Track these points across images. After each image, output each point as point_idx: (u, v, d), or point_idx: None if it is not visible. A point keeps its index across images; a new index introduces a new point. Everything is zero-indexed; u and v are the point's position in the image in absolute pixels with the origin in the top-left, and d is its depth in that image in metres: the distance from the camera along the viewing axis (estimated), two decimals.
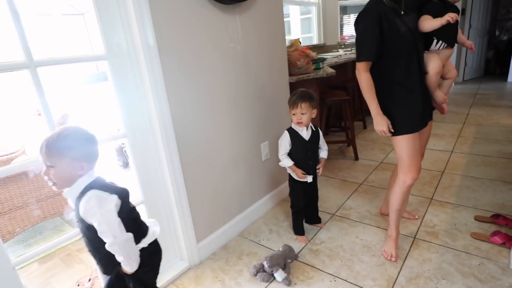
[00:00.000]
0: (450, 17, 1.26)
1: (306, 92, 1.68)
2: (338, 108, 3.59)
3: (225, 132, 1.80)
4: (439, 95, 1.52)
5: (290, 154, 1.76)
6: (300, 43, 2.40)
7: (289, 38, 4.51)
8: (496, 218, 1.86)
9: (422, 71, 1.45)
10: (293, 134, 1.72)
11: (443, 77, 1.56)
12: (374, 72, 1.43)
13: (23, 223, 2.08)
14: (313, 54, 2.43)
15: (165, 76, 1.41)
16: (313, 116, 1.69)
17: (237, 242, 1.91)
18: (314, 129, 1.75)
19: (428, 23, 1.35)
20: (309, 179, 1.78)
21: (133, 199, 1.47)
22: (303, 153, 1.74)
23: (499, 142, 3.10)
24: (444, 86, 1.58)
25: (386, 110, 1.46)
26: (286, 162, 1.76)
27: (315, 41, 4.29)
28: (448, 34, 1.42)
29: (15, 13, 1.00)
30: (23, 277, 1.84)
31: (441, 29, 1.34)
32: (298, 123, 1.67)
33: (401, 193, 1.58)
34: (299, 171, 1.74)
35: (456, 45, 1.50)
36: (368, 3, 1.37)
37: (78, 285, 1.69)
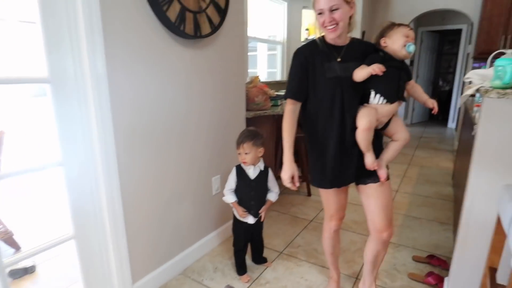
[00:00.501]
0: (373, 68, 1.18)
1: (251, 131, 1.71)
2: (295, 144, 3.68)
3: (173, 165, 1.75)
4: (368, 158, 1.31)
5: (236, 192, 1.75)
6: (260, 80, 2.47)
7: (255, 71, 4.66)
8: (431, 258, 1.96)
9: (349, 125, 1.28)
10: (240, 171, 1.73)
11: (391, 138, 1.39)
12: (303, 114, 1.38)
13: None
14: (272, 92, 2.51)
15: (112, 107, 1.36)
16: (260, 154, 1.71)
17: (178, 281, 1.81)
18: (263, 169, 1.76)
19: (357, 72, 1.24)
20: (250, 220, 1.77)
21: (61, 234, 1.37)
22: (246, 191, 1.74)
23: (438, 184, 3.33)
24: (389, 148, 1.38)
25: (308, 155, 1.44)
26: (229, 198, 1.75)
27: (278, 77, 4.45)
28: (385, 88, 1.26)
29: None
30: None
31: (377, 82, 1.24)
32: (243, 162, 1.69)
33: (328, 238, 1.61)
34: (240, 209, 1.74)
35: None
36: (306, 43, 1.35)
37: None
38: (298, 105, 1.35)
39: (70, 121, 1.31)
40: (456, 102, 6.44)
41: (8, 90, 3.64)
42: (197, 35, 1.72)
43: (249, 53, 4.85)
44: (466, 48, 5.83)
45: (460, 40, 6.11)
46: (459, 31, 6.08)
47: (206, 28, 1.77)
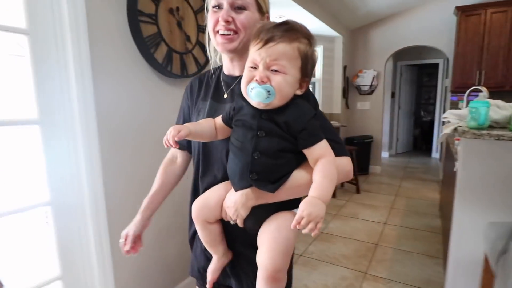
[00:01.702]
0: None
1: None
2: None
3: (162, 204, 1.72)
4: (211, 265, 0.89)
5: None
6: None
7: None
8: None
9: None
10: None
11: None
12: None
13: None
14: None
15: (100, 145, 1.37)
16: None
17: None
18: None
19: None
20: None
21: (46, 275, 1.31)
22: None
23: (426, 216, 3.35)
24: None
25: None
26: None
27: None
28: (228, 160, 0.81)
29: None
30: None
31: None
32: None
33: None
34: None
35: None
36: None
37: None
38: (179, 153, 1.04)
39: (59, 161, 1.30)
40: (439, 132, 6.64)
41: None
42: (183, 74, 1.76)
43: None
44: (443, 81, 6.11)
45: (438, 73, 6.42)
46: (436, 65, 6.41)
47: (192, 67, 1.82)
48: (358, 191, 4.21)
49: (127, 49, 1.48)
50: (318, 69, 4.89)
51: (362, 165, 5.11)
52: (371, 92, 5.20)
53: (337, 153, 0.75)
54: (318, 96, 5.05)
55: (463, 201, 1.34)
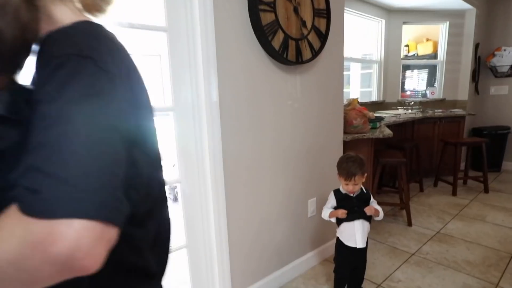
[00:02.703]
0: None
1: (359, 161, 1.61)
2: (393, 167, 3.44)
3: (274, 186, 1.82)
4: None
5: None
6: (358, 102, 2.41)
7: (348, 91, 4.55)
8: None
9: None
10: (339, 193, 1.69)
11: None
12: None
13: None
14: (371, 114, 2.42)
15: (222, 130, 1.51)
16: (363, 180, 1.65)
17: None
18: (365, 191, 1.69)
19: None
20: (359, 243, 1.65)
21: (177, 243, 1.54)
22: (349, 207, 1.64)
23: None
24: None
25: None
26: (326, 212, 1.69)
27: (374, 97, 4.26)
28: None
29: None
30: None
31: None
32: (350, 192, 1.64)
33: None
34: (338, 211, 1.63)
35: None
36: None
37: None
38: None
39: (187, 142, 1.49)
40: None
41: None
42: (298, 61, 1.78)
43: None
44: None
45: None
46: None
47: (307, 53, 1.83)
48: (486, 190, 3.61)
49: (247, 38, 1.57)
50: (441, 50, 4.31)
51: (493, 161, 4.35)
52: (511, 73, 4.32)
53: (24, 200, 0.34)
54: (439, 80, 4.47)
55: None
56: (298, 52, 1.77)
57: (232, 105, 1.54)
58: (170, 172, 1.53)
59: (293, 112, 1.85)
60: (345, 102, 2.37)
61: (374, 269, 2.13)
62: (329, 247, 2.19)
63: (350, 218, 1.64)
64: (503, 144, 4.39)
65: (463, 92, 4.37)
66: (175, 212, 1.51)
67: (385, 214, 3.03)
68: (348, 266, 1.74)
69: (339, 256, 1.76)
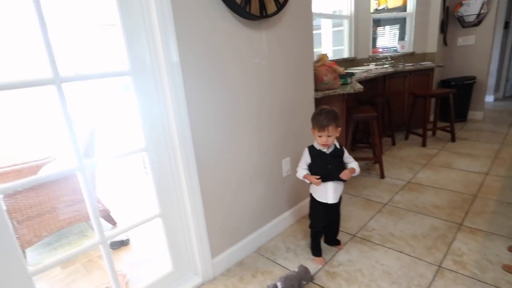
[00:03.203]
0: None
1: (333, 112, 1.61)
2: (366, 123, 3.50)
3: (246, 147, 1.79)
4: None
5: (311, 169, 1.70)
6: (328, 58, 2.36)
7: (319, 50, 4.47)
8: None
9: None
10: (313, 150, 1.69)
11: None
12: None
13: (50, 227, 2.17)
14: (341, 69, 2.39)
15: (186, 92, 1.43)
16: (338, 135, 1.64)
17: (253, 259, 1.88)
18: (339, 147, 1.69)
19: None
20: (330, 199, 1.70)
21: (149, 213, 1.51)
22: (322, 165, 1.67)
23: None
24: None
25: None
26: (301, 172, 1.70)
27: (345, 55, 4.22)
28: None
29: (43, 25, 1.04)
30: (45, 281, 1.92)
31: None
32: (323, 145, 1.63)
33: None
34: (313, 178, 1.65)
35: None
36: None
37: None
38: None
39: (149, 109, 1.41)
40: None
41: (101, 84, 4.10)
42: (262, 15, 1.69)
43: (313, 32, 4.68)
44: None
45: None
46: None
47: (271, 7, 1.73)
48: (453, 139, 3.77)
49: None
50: (410, 1, 4.26)
51: (459, 111, 4.52)
52: (478, 23, 4.37)
53: None
54: (408, 33, 4.46)
55: None
56: (262, 5, 1.67)
57: (195, 65, 1.46)
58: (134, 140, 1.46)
59: (261, 70, 1.79)
60: (315, 59, 2.31)
61: (350, 221, 2.21)
62: (305, 205, 2.23)
63: (324, 181, 1.67)
64: (469, 94, 4.54)
65: (432, 44, 4.40)
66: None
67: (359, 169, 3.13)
68: (322, 220, 1.78)
69: (313, 211, 1.80)
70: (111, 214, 2.49)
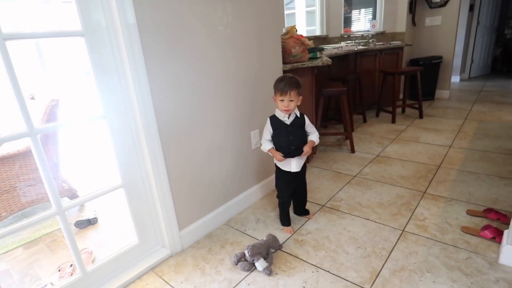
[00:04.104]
0: None
1: (295, 79, 1.62)
2: (338, 101, 3.53)
3: (212, 119, 1.75)
4: None
5: (275, 141, 1.71)
6: (296, 30, 2.33)
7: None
8: (488, 212, 1.81)
9: None
10: (275, 120, 1.68)
11: None
12: None
13: (10, 208, 2.07)
14: (309, 42, 2.37)
15: (145, 57, 1.37)
16: (299, 103, 1.64)
17: (222, 231, 1.88)
18: (299, 116, 1.69)
19: None
20: (293, 167, 1.72)
21: (111, 183, 1.46)
22: (285, 138, 1.67)
23: (499, 138, 3.02)
24: None
25: None
26: (265, 146, 1.71)
27: (317, 32, 4.22)
28: None
29: None
30: (7, 262, 1.84)
31: None
32: (285, 110, 1.62)
33: None
34: (278, 154, 1.68)
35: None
36: None
37: (59, 270, 1.67)
38: None
39: (107, 73, 1.34)
40: None
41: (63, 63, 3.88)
42: None
43: (287, 12, 4.63)
44: None
45: None
46: None
47: None
48: (421, 115, 3.89)
49: None
50: None
51: (427, 90, 4.65)
52: (444, 3, 4.47)
53: None
54: (379, 12, 4.50)
55: None
56: None
57: (153, 28, 1.39)
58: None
59: (226, 38, 1.73)
60: (283, 31, 2.28)
61: (319, 192, 2.25)
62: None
63: (287, 157, 1.69)
64: (436, 73, 4.68)
65: (401, 24, 4.47)
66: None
67: (330, 145, 3.18)
68: (288, 189, 1.80)
69: (279, 181, 1.81)
70: (79, 193, 2.40)
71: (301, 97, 1.63)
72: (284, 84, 1.58)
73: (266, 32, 1.99)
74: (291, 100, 1.59)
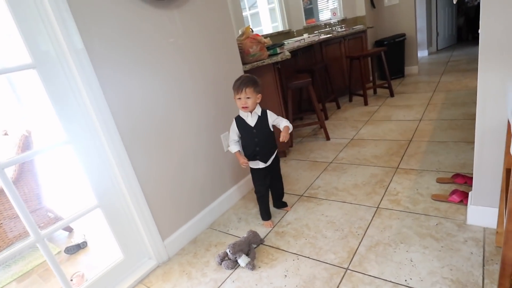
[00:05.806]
0: None
1: (250, 77, 1.68)
2: (305, 90, 3.61)
3: (180, 128, 1.80)
4: None
5: (241, 141, 1.78)
6: (252, 30, 2.39)
7: (260, 29, 4.50)
8: (455, 177, 1.90)
9: None
10: (240, 121, 1.74)
11: None
12: None
13: None
14: (266, 40, 2.43)
15: (99, 79, 1.40)
16: (258, 101, 1.70)
17: (206, 234, 1.92)
18: (260, 114, 1.74)
19: None
20: (261, 164, 1.78)
21: (86, 204, 1.49)
22: (249, 139, 1.75)
23: (466, 105, 3.14)
24: None
25: None
26: (232, 149, 1.78)
27: (280, 28, 4.29)
28: None
29: None
30: None
31: None
32: (243, 108, 1.68)
33: None
34: (241, 159, 1.75)
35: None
36: None
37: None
38: None
39: (65, 101, 1.37)
40: None
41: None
42: None
43: (252, 11, 4.69)
44: None
45: None
46: None
47: None
48: (392, 94, 3.99)
49: None
50: None
51: (396, 68, 4.77)
52: None
53: None
54: (337, 0, 4.59)
55: (486, 61, 1.23)
56: None
57: (103, 51, 1.42)
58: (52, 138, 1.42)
59: (179, 49, 1.78)
60: (239, 33, 2.34)
61: (297, 183, 2.31)
62: None
63: (250, 160, 1.78)
64: (402, 50, 4.80)
65: (361, 8, 4.57)
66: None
67: (306, 135, 3.25)
68: (263, 183, 1.85)
69: (253, 177, 1.87)
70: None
71: (259, 94, 1.69)
72: (239, 83, 1.65)
73: (219, 37, 2.04)
74: (248, 98, 1.65)
